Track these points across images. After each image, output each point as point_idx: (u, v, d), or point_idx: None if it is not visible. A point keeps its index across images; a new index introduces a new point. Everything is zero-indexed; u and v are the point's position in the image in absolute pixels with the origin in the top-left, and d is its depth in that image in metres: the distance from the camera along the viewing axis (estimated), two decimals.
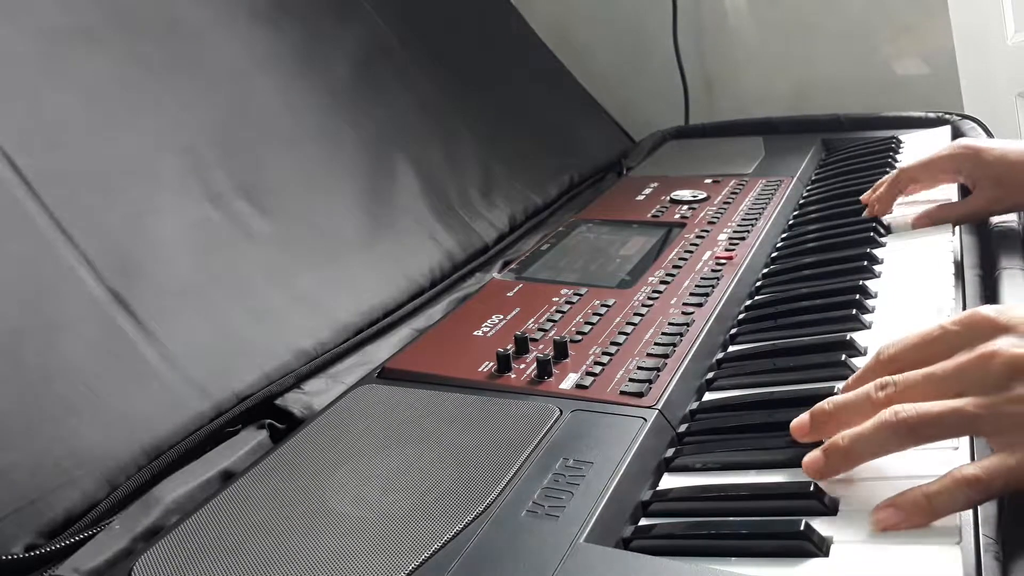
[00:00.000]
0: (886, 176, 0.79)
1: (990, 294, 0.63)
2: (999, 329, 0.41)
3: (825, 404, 0.45)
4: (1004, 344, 0.40)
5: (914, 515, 0.39)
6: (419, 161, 0.87)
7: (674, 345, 0.59)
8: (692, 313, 0.64)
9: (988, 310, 0.43)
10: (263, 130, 0.76)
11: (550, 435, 0.49)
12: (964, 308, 0.62)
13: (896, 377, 0.43)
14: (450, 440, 0.50)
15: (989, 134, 0.97)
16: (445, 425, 0.52)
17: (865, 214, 0.78)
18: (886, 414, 0.41)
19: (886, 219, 0.78)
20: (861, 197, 0.81)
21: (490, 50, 1.14)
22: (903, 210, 0.77)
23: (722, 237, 0.79)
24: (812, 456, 0.43)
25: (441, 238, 0.82)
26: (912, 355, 0.44)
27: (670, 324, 0.62)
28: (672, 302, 0.66)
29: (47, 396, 0.51)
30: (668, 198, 0.92)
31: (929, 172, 0.75)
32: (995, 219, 0.73)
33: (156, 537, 0.45)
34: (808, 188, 0.95)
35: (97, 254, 0.58)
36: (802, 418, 0.45)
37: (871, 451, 0.42)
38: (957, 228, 0.74)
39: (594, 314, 0.65)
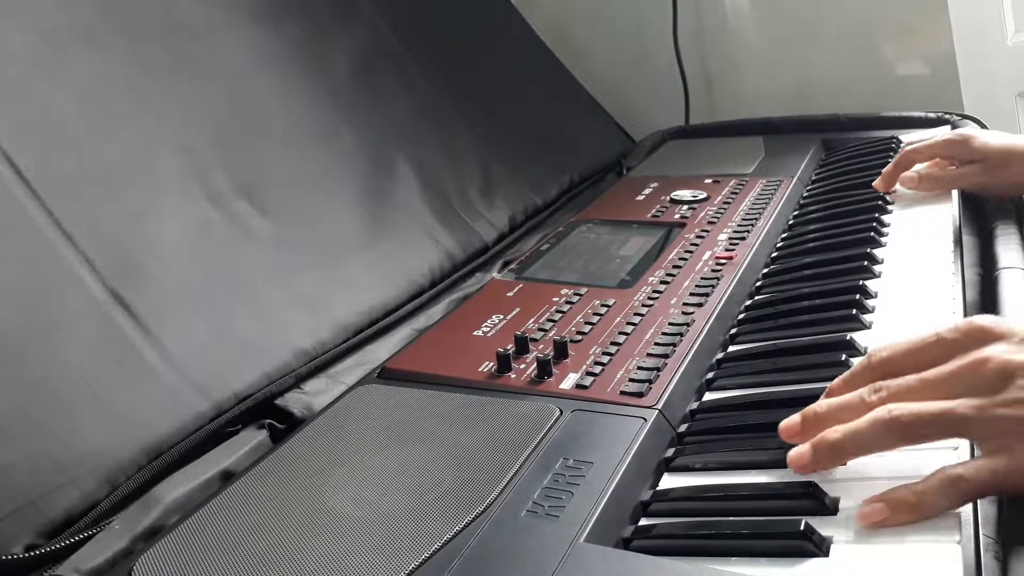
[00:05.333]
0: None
1: (990, 294, 0.63)
2: (994, 337, 0.42)
3: (817, 407, 0.45)
4: (997, 350, 0.41)
5: (901, 512, 0.39)
6: (419, 161, 0.87)
7: (674, 345, 0.59)
8: (692, 313, 0.64)
9: (984, 319, 0.43)
10: (263, 130, 0.76)
11: (550, 435, 0.49)
12: (964, 308, 0.62)
13: (890, 382, 0.43)
14: (450, 440, 0.50)
15: None
16: (445, 425, 0.52)
17: (875, 185, 0.86)
18: (880, 412, 0.41)
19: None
20: (874, 183, 0.86)
21: (490, 50, 1.14)
22: (907, 206, 0.80)
23: (722, 237, 0.79)
24: (797, 450, 0.43)
25: (441, 238, 0.82)
26: (905, 360, 0.44)
27: (670, 324, 0.62)
28: (672, 302, 0.66)
29: (47, 396, 0.51)
30: (668, 198, 0.92)
31: (926, 155, 0.83)
32: (996, 219, 0.73)
33: (156, 537, 0.45)
34: (808, 188, 0.95)
35: (97, 254, 0.58)
36: (792, 419, 0.45)
37: (861, 447, 0.42)
38: (958, 228, 0.75)
39: (594, 314, 0.65)
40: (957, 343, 0.43)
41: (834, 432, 0.42)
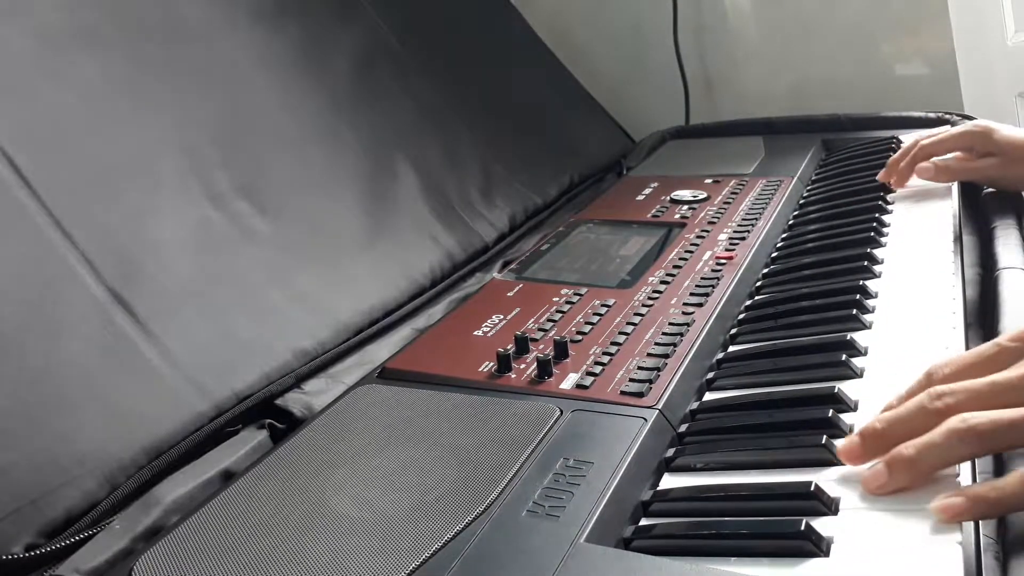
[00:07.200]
0: (904, 147, 0.85)
1: (991, 294, 0.63)
2: None
3: (875, 423, 0.43)
4: None
5: (980, 507, 0.38)
6: (419, 161, 0.87)
7: (674, 345, 0.59)
8: (692, 313, 0.64)
9: None
10: (263, 130, 0.76)
11: (550, 435, 0.49)
12: (964, 308, 0.62)
13: (954, 386, 0.41)
14: (450, 440, 0.50)
15: None
16: (445, 425, 0.52)
17: (881, 178, 0.85)
18: (953, 422, 0.39)
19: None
20: (878, 176, 0.86)
21: (490, 50, 1.14)
22: (907, 206, 0.80)
23: (722, 237, 0.79)
24: (874, 471, 0.41)
25: (441, 238, 0.82)
26: (970, 373, 0.43)
27: (670, 324, 0.62)
28: (672, 302, 0.66)
29: (47, 396, 0.51)
30: (668, 198, 0.92)
31: (944, 148, 0.82)
32: (996, 219, 0.73)
33: (156, 537, 0.45)
34: (808, 188, 0.95)
35: (97, 254, 0.58)
36: (851, 439, 0.43)
37: (940, 461, 0.40)
38: (958, 228, 0.75)
39: (594, 314, 0.65)
40: (1019, 351, 0.42)
41: (908, 448, 0.40)
